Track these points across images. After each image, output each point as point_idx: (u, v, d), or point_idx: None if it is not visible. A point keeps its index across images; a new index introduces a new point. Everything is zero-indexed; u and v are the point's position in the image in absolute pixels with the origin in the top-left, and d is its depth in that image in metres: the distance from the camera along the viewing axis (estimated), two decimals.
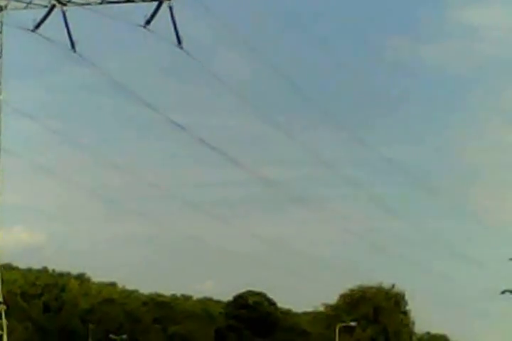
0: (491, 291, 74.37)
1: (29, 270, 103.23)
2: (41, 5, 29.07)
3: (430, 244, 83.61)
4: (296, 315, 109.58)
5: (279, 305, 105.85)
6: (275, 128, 46.23)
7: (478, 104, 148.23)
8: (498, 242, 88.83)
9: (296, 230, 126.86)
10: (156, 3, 28.08)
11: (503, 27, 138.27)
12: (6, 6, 29.16)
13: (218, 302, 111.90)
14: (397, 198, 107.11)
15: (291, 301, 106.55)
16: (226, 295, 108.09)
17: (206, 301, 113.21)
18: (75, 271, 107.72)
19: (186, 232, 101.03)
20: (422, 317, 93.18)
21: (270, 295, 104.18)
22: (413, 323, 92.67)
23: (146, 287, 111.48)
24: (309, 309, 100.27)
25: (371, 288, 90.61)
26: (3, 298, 34.36)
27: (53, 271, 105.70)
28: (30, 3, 28.45)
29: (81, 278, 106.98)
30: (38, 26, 29.21)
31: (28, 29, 29.09)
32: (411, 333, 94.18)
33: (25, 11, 29.32)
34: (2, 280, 38.27)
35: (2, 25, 29.27)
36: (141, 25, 28.28)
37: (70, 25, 29.11)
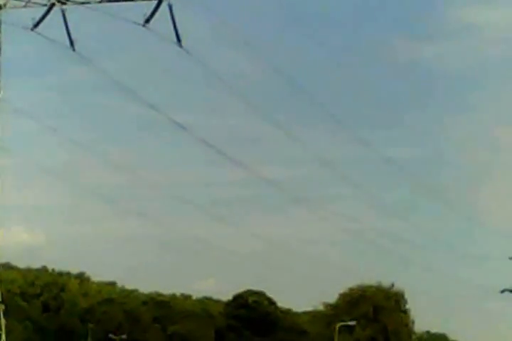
0: (490, 290, 74.49)
1: (28, 269, 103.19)
2: (40, 3, 28.97)
3: (430, 243, 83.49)
4: (296, 314, 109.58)
5: (279, 304, 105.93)
6: (275, 128, 46.08)
7: (480, 103, 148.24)
8: (498, 241, 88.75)
9: (296, 229, 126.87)
10: (155, 2, 27.97)
11: (504, 26, 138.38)
12: (5, 5, 29.06)
13: (218, 301, 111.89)
14: (397, 198, 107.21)
15: (291, 301, 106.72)
16: (226, 294, 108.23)
17: (206, 301, 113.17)
18: (74, 271, 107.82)
19: (186, 232, 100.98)
20: (422, 316, 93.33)
21: (270, 295, 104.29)
22: (413, 322, 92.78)
23: (145, 286, 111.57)
24: (309, 308, 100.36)
25: (371, 287, 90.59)
26: (2, 297, 34.27)
27: (53, 270, 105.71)
28: (29, 1, 28.37)
29: (80, 277, 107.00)
30: (37, 25, 29.10)
31: (27, 28, 29.00)
32: (410, 332, 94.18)
33: (24, 9, 29.22)
34: (1, 279, 38.16)
35: (1, 23, 29.18)
36: (140, 24, 28.14)
37: (69, 24, 29.00)
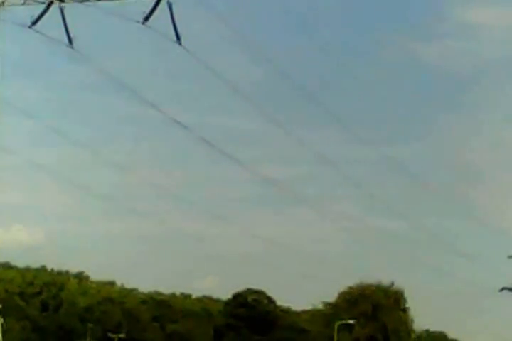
0: (489, 289, 74.41)
1: (27, 269, 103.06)
2: (39, 1, 28.80)
3: (429, 242, 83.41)
4: (296, 313, 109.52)
5: (279, 303, 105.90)
6: (276, 127, 45.94)
7: (478, 102, 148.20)
8: (498, 240, 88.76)
9: (296, 228, 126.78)
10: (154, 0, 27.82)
11: (502, 26, 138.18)
12: (3, 3, 28.91)
13: (217, 300, 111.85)
14: (397, 197, 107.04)
15: (290, 299, 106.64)
16: (226, 293, 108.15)
17: (205, 299, 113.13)
18: (73, 270, 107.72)
19: (185, 231, 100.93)
20: (421, 315, 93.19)
21: (270, 294, 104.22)
22: (412, 321, 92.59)
23: (145, 285, 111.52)
24: (309, 307, 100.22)
25: (370, 285, 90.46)
26: (0, 296, 34.14)
27: (52, 269, 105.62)
28: None
29: (79, 276, 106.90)
30: (35, 23, 28.94)
31: (25, 25, 28.84)
32: (410, 330, 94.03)
33: (22, 7, 29.07)
34: None
35: None
36: (139, 22, 27.98)
37: (68, 22, 28.84)
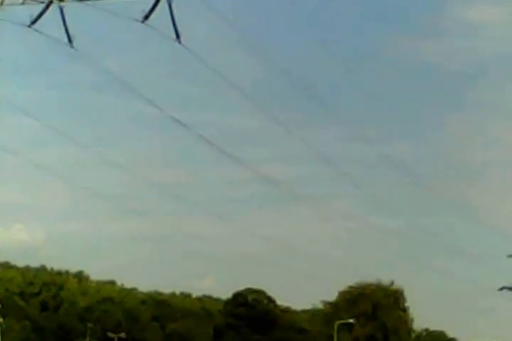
0: (489, 288, 74.49)
1: (27, 268, 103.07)
2: (38, 0, 28.72)
3: (429, 241, 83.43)
4: (296, 312, 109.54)
5: (279, 302, 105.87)
6: (276, 126, 45.81)
7: (479, 101, 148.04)
8: (497, 239, 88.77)
9: (296, 228, 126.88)
10: None
11: (503, 24, 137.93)
12: (2, 2, 28.82)
13: (217, 300, 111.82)
14: (397, 196, 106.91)
15: (290, 299, 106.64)
16: (226, 293, 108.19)
17: (205, 299, 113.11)
18: (73, 270, 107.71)
19: (186, 230, 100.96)
20: (421, 314, 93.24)
21: (269, 293, 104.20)
22: (412, 320, 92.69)
23: (145, 285, 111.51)
24: (308, 307, 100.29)
25: (370, 285, 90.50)
26: None
27: (52, 269, 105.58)
28: None
29: (79, 276, 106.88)
30: (34, 22, 28.85)
31: (24, 24, 28.76)
32: (409, 330, 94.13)
33: (22, 6, 28.99)
34: None
35: None
36: (139, 21, 27.89)
37: (68, 21, 28.76)
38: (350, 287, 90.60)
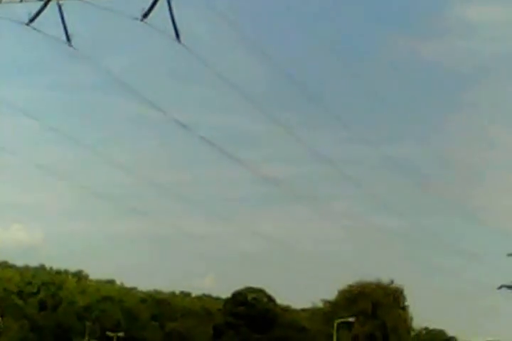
0: (488, 287, 74.44)
1: (26, 268, 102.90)
2: None
3: (429, 240, 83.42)
4: (295, 311, 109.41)
5: (278, 301, 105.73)
6: (277, 126, 45.71)
7: (479, 101, 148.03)
8: (496, 238, 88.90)
9: (296, 227, 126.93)
10: None
11: (503, 24, 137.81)
12: (0, 0, 28.59)
13: (217, 299, 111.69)
14: (397, 196, 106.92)
15: (290, 298, 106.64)
16: (225, 292, 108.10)
17: (205, 298, 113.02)
18: (72, 269, 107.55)
19: (186, 230, 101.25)
20: (421, 313, 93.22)
21: (269, 292, 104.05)
22: (411, 319, 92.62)
23: (145, 284, 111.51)
24: (308, 305, 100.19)
25: (370, 284, 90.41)
26: None
27: (51, 268, 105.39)
28: None
29: (79, 275, 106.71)
30: (32, 20, 28.60)
31: (22, 22, 28.52)
32: (409, 328, 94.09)
33: (20, 4, 28.75)
34: None
35: None
36: (138, 19, 27.64)
37: (66, 19, 28.51)
38: (350, 286, 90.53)
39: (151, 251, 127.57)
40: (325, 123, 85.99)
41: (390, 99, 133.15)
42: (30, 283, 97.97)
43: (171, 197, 75.90)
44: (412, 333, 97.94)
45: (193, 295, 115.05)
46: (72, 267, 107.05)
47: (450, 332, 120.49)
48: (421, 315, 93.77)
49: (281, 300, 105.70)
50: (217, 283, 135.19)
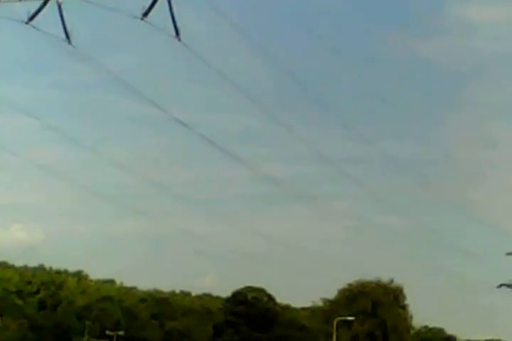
0: (488, 285, 74.41)
1: (25, 268, 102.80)
2: None
3: (429, 239, 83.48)
4: (295, 310, 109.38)
5: (278, 300, 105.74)
6: (277, 126, 45.71)
7: (478, 100, 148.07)
8: (496, 238, 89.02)
9: (296, 226, 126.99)
10: None
11: (502, 24, 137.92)
12: None
13: (217, 298, 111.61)
14: (398, 195, 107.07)
15: (290, 296, 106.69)
16: (225, 291, 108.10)
17: (205, 297, 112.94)
18: (72, 269, 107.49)
19: (186, 229, 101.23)
20: (420, 312, 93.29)
21: (269, 291, 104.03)
22: (411, 317, 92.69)
23: (145, 284, 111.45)
24: (308, 304, 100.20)
25: (370, 282, 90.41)
26: None
27: (50, 268, 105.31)
28: None
29: (78, 275, 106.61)
30: (32, 18, 28.51)
31: (22, 21, 28.43)
32: (409, 327, 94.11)
33: (19, 2, 28.67)
34: None
35: None
36: (138, 17, 27.56)
37: (66, 18, 28.42)
38: (350, 284, 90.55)
39: (151, 251, 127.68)
40: (326, 123, 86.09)
41: (391, 98, 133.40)
42: (29, 283, 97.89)
43: (171, 196, 75.87)
44: (412, 332, 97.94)
45: (193, 294, 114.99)
46: (72, 267, 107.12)
47: (450, 331, 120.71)
48: (421, 314, 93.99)
49: (281, 299, 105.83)
50: (218, 283, 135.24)
